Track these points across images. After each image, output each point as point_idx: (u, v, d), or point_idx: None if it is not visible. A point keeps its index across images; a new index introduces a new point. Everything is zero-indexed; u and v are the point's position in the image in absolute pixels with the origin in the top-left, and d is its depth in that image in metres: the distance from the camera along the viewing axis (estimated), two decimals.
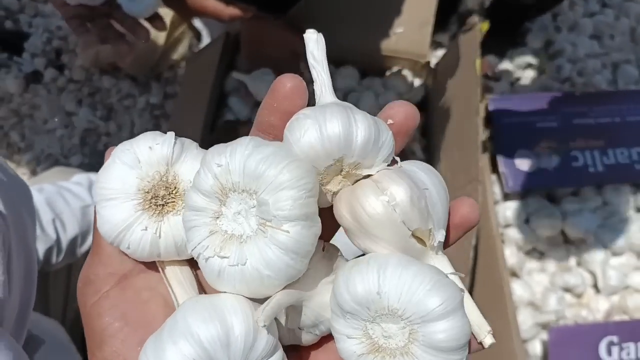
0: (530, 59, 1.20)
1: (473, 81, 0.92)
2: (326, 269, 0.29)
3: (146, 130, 1.26)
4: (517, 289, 0.97)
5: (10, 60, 1.34)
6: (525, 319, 0.95)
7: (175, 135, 0.29)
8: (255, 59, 0.95)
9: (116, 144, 0.30)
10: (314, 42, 0.30)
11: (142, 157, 0.28)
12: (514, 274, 1.00)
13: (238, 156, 0.25)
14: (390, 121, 0.28)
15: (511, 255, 0.99)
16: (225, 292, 0.26)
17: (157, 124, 1.27)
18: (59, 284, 0.86)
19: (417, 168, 0.28)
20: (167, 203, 0.29)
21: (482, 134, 0.89)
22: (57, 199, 0.78)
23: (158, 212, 0.28)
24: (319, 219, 0.26)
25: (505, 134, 1.01)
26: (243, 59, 1.01)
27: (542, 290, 0.98)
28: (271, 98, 0.27)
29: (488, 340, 0.27)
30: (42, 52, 1.34)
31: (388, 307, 0.25)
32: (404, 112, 0.28)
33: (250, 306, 0.26)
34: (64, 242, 0.76)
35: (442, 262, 0.27)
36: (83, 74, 1.30)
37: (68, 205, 0.78)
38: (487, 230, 0.93)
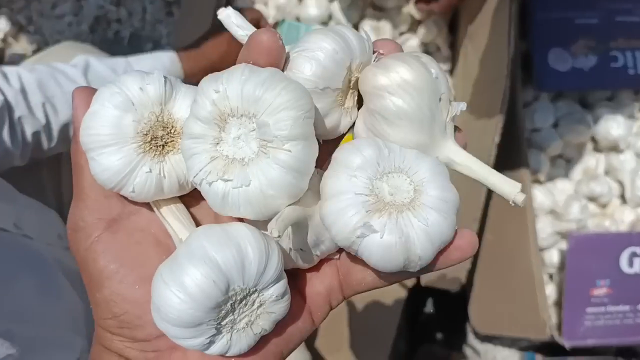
0: None
1: None
2: None
3: (158, 18, 1.22)
4: (539, 195, 0.92)
5: None
6: (544, 227, 0.91)
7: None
8: None
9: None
10: (233, 17, 0.31)
11: (135, 98, 0.28)
12: (537, 180, 0.96)
13: (235, 82, 0.25)
14: (381, 51, 0.30)
15: (535, 160, 0.93)
16: (230, 216, 0.27)
17: (170, 12, 1.20)
18: (53, 175, 0.83)
19: None
20: (167, 143, 0.29)
21: (514, 28, 0.81)
22: (49, 82, 0.73)
23: (159, 153, 0.29)
24: (316, 140, 0.26)
25: (540, 29, 0.93)
26: None
27: (565, 198, 0.93)
28: (247, 52, 0.27)
29: (519, 198, 0.28)
30: None
31: (394, 165, 0.27)
32: (392, 49, 0.30)
33: (260, 234, 0.26)
34: (55, 128, 0.72)
35: (457, 150, 0.30)
36: None
37: (61, 88, 0.73)
38: (513, 131, 0.88)
